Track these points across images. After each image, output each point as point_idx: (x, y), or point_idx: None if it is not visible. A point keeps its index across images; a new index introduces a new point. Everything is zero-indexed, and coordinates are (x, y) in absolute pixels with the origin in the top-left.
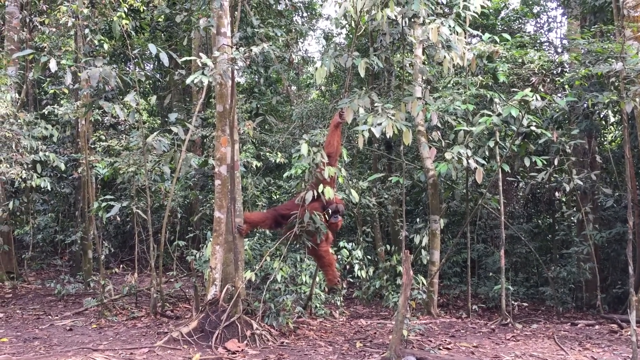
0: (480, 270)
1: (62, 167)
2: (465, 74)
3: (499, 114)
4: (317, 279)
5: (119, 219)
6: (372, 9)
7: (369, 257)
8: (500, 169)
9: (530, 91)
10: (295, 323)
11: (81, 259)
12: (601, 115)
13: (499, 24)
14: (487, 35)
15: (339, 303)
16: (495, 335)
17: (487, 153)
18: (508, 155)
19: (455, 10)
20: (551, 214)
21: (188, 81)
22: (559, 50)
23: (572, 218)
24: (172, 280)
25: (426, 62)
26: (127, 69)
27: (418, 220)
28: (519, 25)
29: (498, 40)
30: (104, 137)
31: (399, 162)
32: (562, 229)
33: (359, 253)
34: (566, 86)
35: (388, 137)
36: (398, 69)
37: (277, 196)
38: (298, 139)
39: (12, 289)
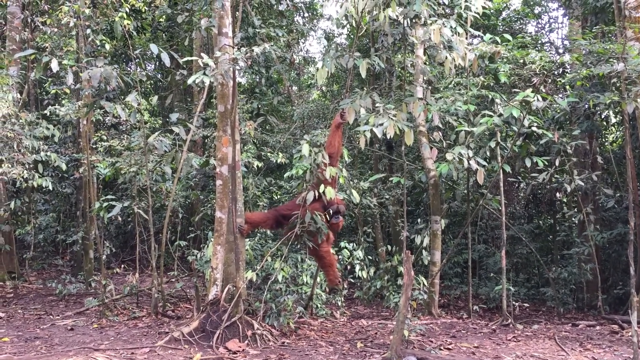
0: (481, 270)
1: (64, 167)
2: (466, 74)
3: (500, 115)
4: (318, 279)
5: (120, 219)
6: (373, 9)
7: (369, 257)
8: (501, 170)
9: (532, 92)
10: (296, 323)
11: (82, 258)
12: (602, 116)
13: (500, 24)
14: (488, 35)
15: (339, 303)
16: (496, 335)
17: (488, 153)
18: (509, 156)
19: (456, 11)
20: (552, 215)
21: (190, 81)
22: (560, 51)
23: (573, 219)
24: (173, 280)
25: (427, 63)
26: (129, 69)
27: (419, 220)
28: (520, 26)
29: (499, 40)
30: (105, 137)
31: (400, 162)
32: (563, 230)
33: (360, 253)
34: (567, 87)
35: (389, 137)
36: (399, 69)
37: (278, 196)
38: (299, 140)
39: (14, 288)
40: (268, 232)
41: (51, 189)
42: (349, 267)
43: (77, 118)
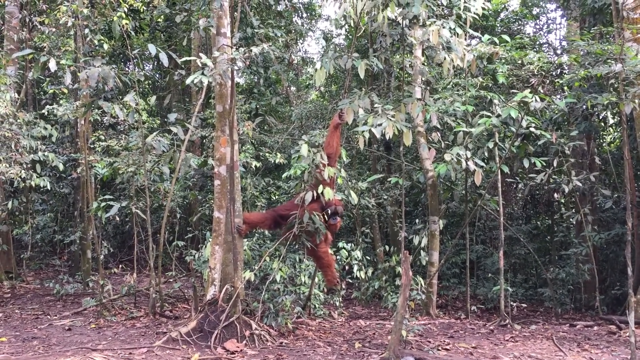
0: (479, 271)
1: (61, 167)
2: (464, 75)
3: (499, 115)
4: (316, 279)
5: (118, 219)
6: (372, 10)
7: (368, 257)
8: (499, 170)
9: (530, 92)
10: (294, 323)
11: (80, 259)
12: (600, 117)
13: (498, 25)
14: (486, 36)
15: (337, 304)
16: (494, 336)
17: (486, 154)
18: (507, 157)
19: (455, 12)
20: (550, 216)
21: (188, 81)
22: (559, 52)
23: (570, 219)
24: (171, 280)
25: (425, 63)
26: (127, 69)
27: (417, 221)
28: (519, 27)
29: (498, 41)
30: (103, 137)
31: (398, 163)
32: (561, 231)
33: (358, 254)
34: (565, 88)
35: (388, 138)
36: (397, 70)
37: (276, 197)
38: (297, 140)
39: (11, 288)
40: (266, 232)
41: (49, 188)
42: (347, 267)
43: (75, 118)
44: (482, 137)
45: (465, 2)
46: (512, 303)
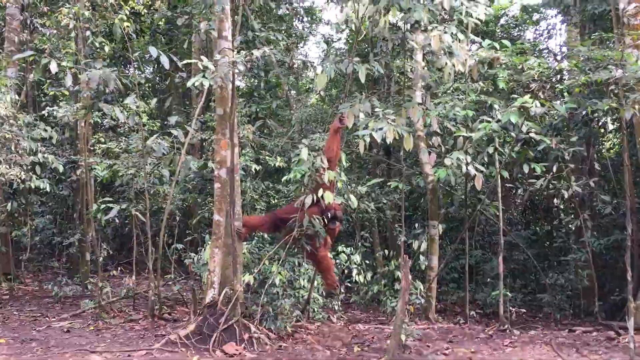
0: (478, 276)
1: (61, 169)
2: (465, 80)
3: (499, 120)
4: (315, 283)
5: (117, 221)
6: (374, 15)
7: (367, 262)
8: (499, 176)
9: (530, 98)
10: (293, 327)
11: (79, 261)
12: (600, 123)
13: (498, 30)
14: (487, 41)
15: (336, 307)
16: (493, 341)
17: (486, 159)
18: (507, 162)
19: (456, 17)
20: (549, 221)
21: (189, 84)
22: (559, 57)
23: (570, 225)
24: (170, 283)
25: (425, 68)
26: (127, 71)
27: (416, 225)
28: (519, 33)
29: (498, 47)
30: (103, 140)
31: (398, 167)
32: (560, 236)
33: (357, 258)
34: (565, 93)
35: (388, 142)
36: (397, 74)
37: (276, 200)
38: (297, 144)
39: (9, 290)
40: (265, 235)
41: (48, 190)
42: (346, 271)
43: (75, 120)
44: (482, 142)
45: (467, 7)
46: (511, 308)
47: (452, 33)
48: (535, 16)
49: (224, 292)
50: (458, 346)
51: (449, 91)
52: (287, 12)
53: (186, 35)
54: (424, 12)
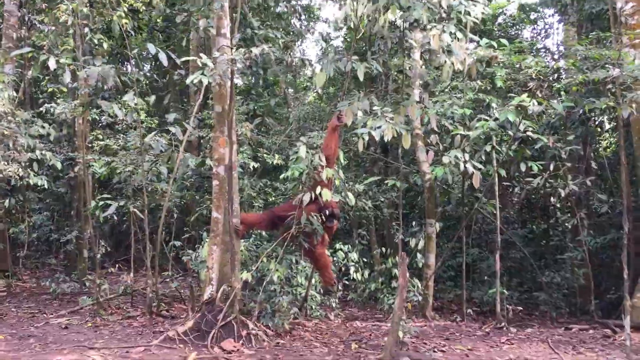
0: (475, 274)
1: (59, 165)
2: (462, 78)
3: (496, 119)
4: (313, 280)
5: (115, 218)
6: (373, 13)
7: (364, 259)
8: (496, 174)
9: (527, 96)
10: (290, 324)
11: (76, 258)
12: (596, 122)
13: (495, 29)
14: (485, 40)
15: (334, 305)
16: (490, 338)
17: (483, 157)
18: (504, 160)
19: (453, 16)
20: (546, 220)
21: (188, 81)
22: (556, 56)
23: (566, 224)
24: (168, 280)
25: (423, 67)
26: (124, 69)
27: (414, 223)
28: (516, 32)
29: (496, 45)
30: (101, 137)
31: (395, 165)
32: (557, 235)
33: (354, 255)
34: (562, 93)
35: (386, 140)
36: (395, 73)
37: (273, 198)
38: (295, 142)
39: (7, 287)
40: (263, 233)
41: (46, 187)
42: (343, 269)
43: (73, 117)
44: (480, 140)
45: (465, 7)
46: (507, 306)
47: (450, 32)
48: (533, 15)
49: (222, 289)
50: (455, 343)
51: (446, 89)
52: (285, 10)
53: (184, 33)
54: (423, 11)
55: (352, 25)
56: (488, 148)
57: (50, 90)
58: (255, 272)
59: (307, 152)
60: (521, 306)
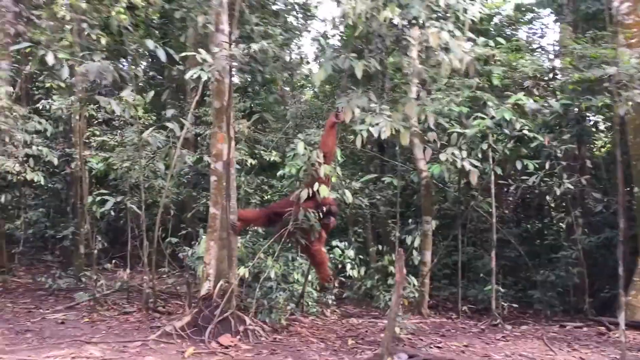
0: (470, 273)
1: (55, 161)
2: (460, 77)
3: (493, 117)
4: (309, 277)
5: (112, 213)
6: (371, 11)
7: (360, 257)
8: (492, 172)
9: (524, 95)
10: (287, 320)
11: (72, 254)
12: (591, 122)
13: (492, 29)
14: (482, 39)
15: (330, 302)
16: (485, 335)
17: (480, 156)
18: (500, 159)
19: (450, 14)
20: (540, 219)
21: (187, 76)
22: (552, 56)
23: (561, 223)
24: (164, 276)
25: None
26: (121, 65)
27: (410, 221)
28: (512, 32)
29: (493, 44)
30: (98, 133)
31: (392, 163)
32: (551, 234)
33: (351, 253)
34: (557, 92)
35: (383, 138)
36: (392, 71)
37: (270, 195)
38: (292, 139)
39: (3, 283)
40: (260, 229)
41: (42, 183)
42: (339, 266)
43: (69, 113)
44: (476, 138)
45: (463, 6)
46: (503, 304)
47: (449, 30)
48: (529, 15)
49: (219, 284)
50: (451, 340)
51: (442, 88)
52: (283, 7)
53: (181, 29)
54: (422, 9)
55: (350, 23)
56: (484, 146)
57: (48, 85)
58: (252, 269)
59: (305, 148)
60: (516, 304)
